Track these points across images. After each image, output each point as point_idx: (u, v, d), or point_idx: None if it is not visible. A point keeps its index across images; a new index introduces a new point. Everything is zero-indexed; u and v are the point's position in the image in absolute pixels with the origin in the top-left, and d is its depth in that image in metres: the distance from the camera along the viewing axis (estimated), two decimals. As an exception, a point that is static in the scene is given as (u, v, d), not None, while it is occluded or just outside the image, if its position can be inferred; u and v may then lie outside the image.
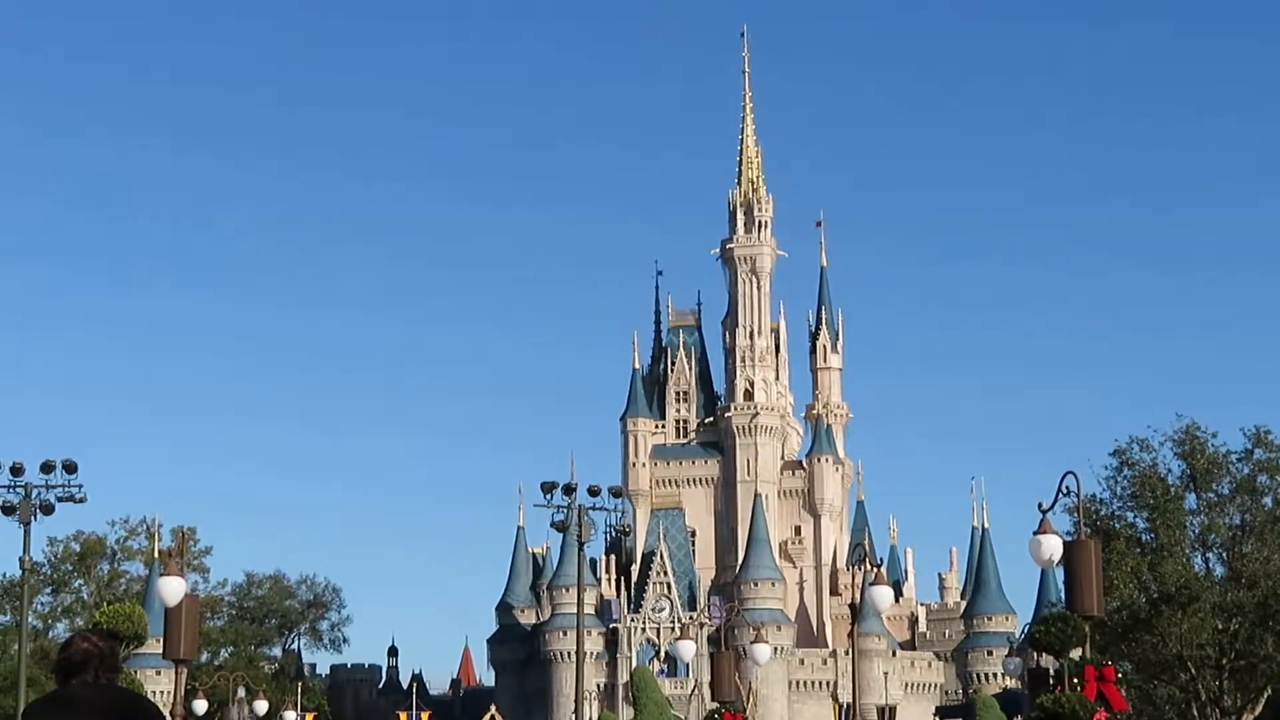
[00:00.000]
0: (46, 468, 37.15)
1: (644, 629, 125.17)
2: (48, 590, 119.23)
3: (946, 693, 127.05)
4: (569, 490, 46.46)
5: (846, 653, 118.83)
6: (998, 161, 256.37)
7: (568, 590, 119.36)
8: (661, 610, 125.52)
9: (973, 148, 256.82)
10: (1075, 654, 23.80)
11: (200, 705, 61.37)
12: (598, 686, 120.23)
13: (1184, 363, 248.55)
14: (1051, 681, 24.57)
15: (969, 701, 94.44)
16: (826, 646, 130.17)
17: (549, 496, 46.11)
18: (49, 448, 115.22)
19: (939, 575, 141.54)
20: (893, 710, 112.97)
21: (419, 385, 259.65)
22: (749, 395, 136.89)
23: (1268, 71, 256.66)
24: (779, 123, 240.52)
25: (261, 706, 69.70)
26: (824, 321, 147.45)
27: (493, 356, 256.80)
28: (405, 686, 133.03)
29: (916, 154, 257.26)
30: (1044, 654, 25.95)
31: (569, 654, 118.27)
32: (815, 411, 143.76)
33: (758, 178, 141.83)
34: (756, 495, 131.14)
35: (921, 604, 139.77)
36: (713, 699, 38.33)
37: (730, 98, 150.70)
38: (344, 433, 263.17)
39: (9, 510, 37.38)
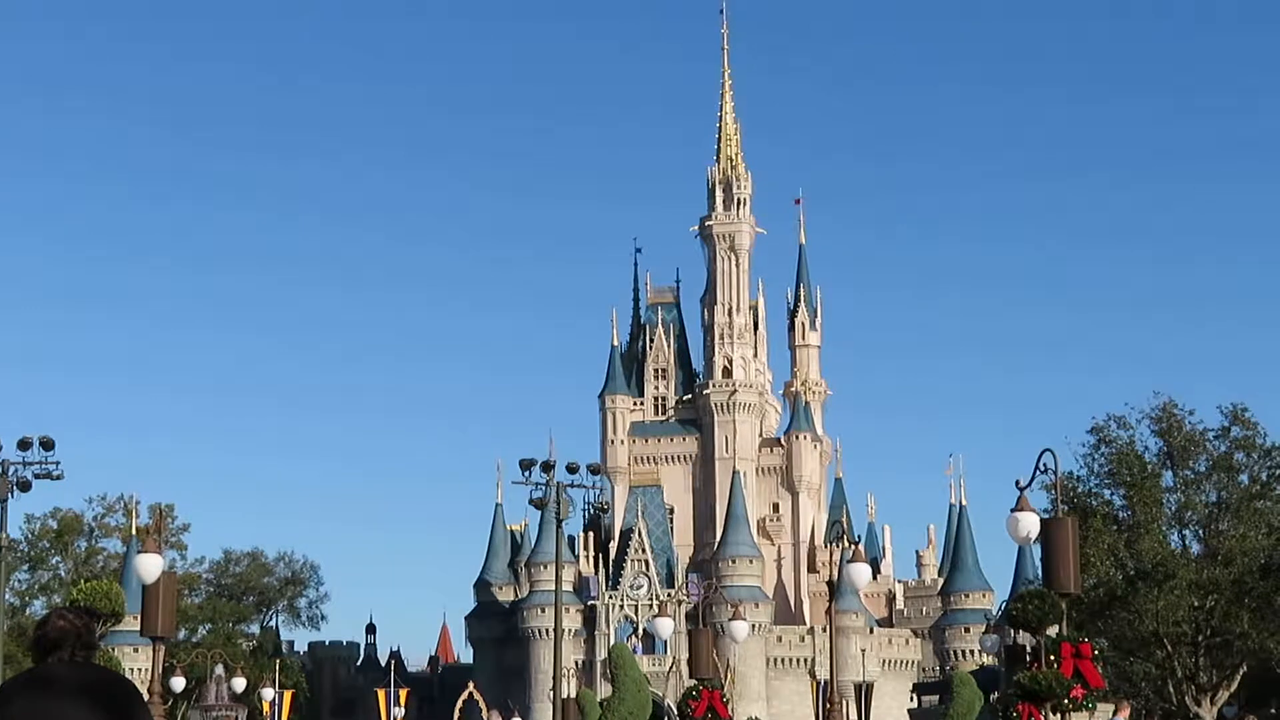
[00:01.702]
0: (23, 444, 36.97)
1: (622, 606, 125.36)
2: (25, 567, 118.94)
3: (923, 669, 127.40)
4: (547, 467, 46.40)
5: (824, 630, 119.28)
6: (977, 140, 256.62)
7: (546, 567, 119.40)
8: (639, 587, 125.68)
9: (953, 125, 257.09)
10: (1052, 631, 23.88)
11: (178, 682, 61.42)
12: (575, 663, 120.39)
13: (1162, 340, 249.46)
14: (1028, 658, 24.67)
15: (946, 678, 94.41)
16: (804, 624, 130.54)
17: (527, 474, 46.07)
18: (26, 424, 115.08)
19: (916, 552, 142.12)
20: (870, 687, 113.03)
21: (397, 362, 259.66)
22: (727, 372, 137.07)
23: (1252, 50, 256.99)
24: (758, 100, 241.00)
25: (239, 684, 69.76)
26: (802, 299, 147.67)
27: (471, 334, 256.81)
28: (383, 664, 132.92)
29: (896, 132, 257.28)
30: (1021, 631, 26.04)
31: (547, 631, 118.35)
32: (794, 389, 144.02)
33: (736, 155, 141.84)
34: (735, 472, 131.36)
35: (899, 581, 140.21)
36: (690, 676, 38.42)
37: (709, 75, 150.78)
38: (322, 410, 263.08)
39: (-15, 487, 37.22)
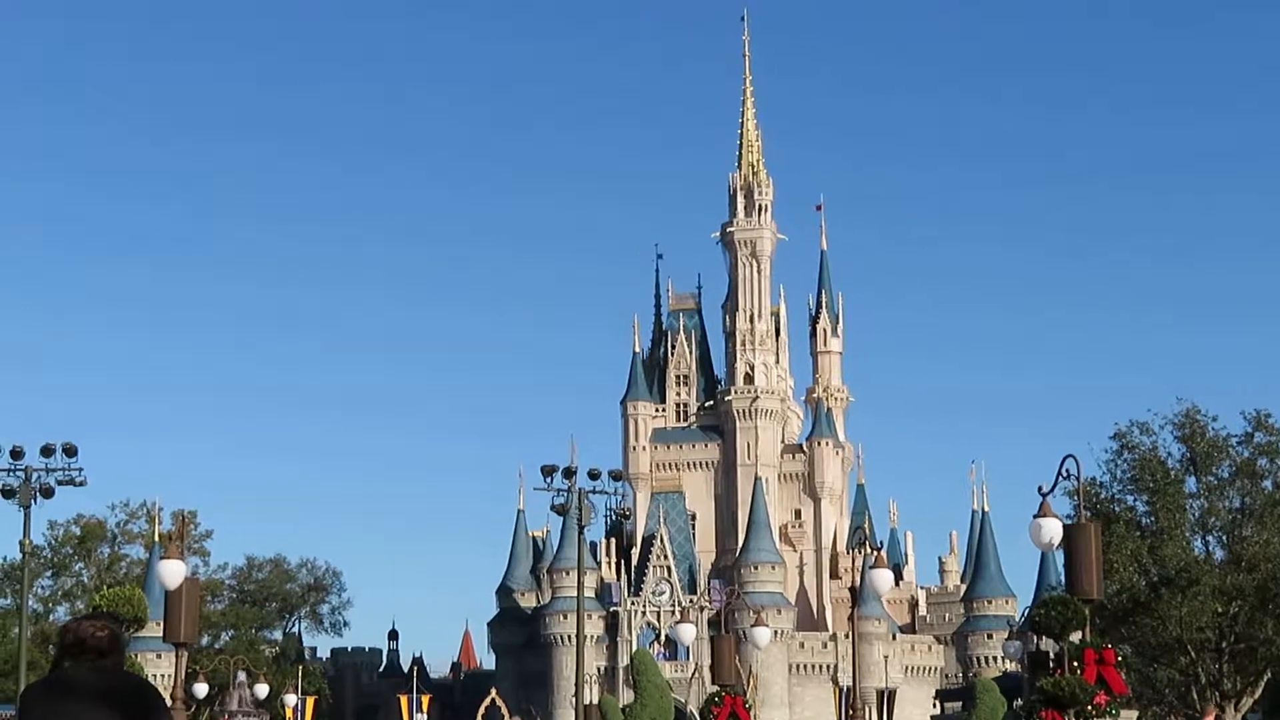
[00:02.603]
0: (46, 451, 37.12)
1: (644, 612, 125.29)
2: (48, 574, 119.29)
3: (946, 676, 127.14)
4: (569, 474, 46.47)
5: (846, 636, 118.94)
6: (998, 144, 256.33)
7: (568, 573, 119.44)
8: (662, 593, 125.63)
9: (974, 130, 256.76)
10: (1075, 637, 23.83)
11: (201, 688, 61.51)
12: (598, 670, 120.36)
13: (1185, 346, 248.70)
14: (1051, 665, 24.60)
15: (969, 685, 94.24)
16: (826, 630, 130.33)
17: (549, 480, 46.11)
18: (49, 431, 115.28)
19: (939, 559, 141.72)
20: (892, 694, 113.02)
21: (420, 368, 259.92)
22: (749, 379, 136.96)
23: (1265, 55, 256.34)
24: (780, 106, 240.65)
25: (262, 690, 69.83)
26: (824, 305, 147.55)
27: (493, 340, 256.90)
28: (406, 670, 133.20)
29: (917, 137, 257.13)
30: (1044, 637, 25.97)
31: (569, 637, 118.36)
32: (815, 395, 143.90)
33: (758, 161, 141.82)
34: (757, 479, 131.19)
35: (921, 587, 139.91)
36: (713, 682, 38.42)
37: (731, 81, 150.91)
38: (345, 416, 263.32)
39: (9, 494, 37.34)
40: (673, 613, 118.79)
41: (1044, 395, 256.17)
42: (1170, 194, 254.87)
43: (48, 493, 36.87)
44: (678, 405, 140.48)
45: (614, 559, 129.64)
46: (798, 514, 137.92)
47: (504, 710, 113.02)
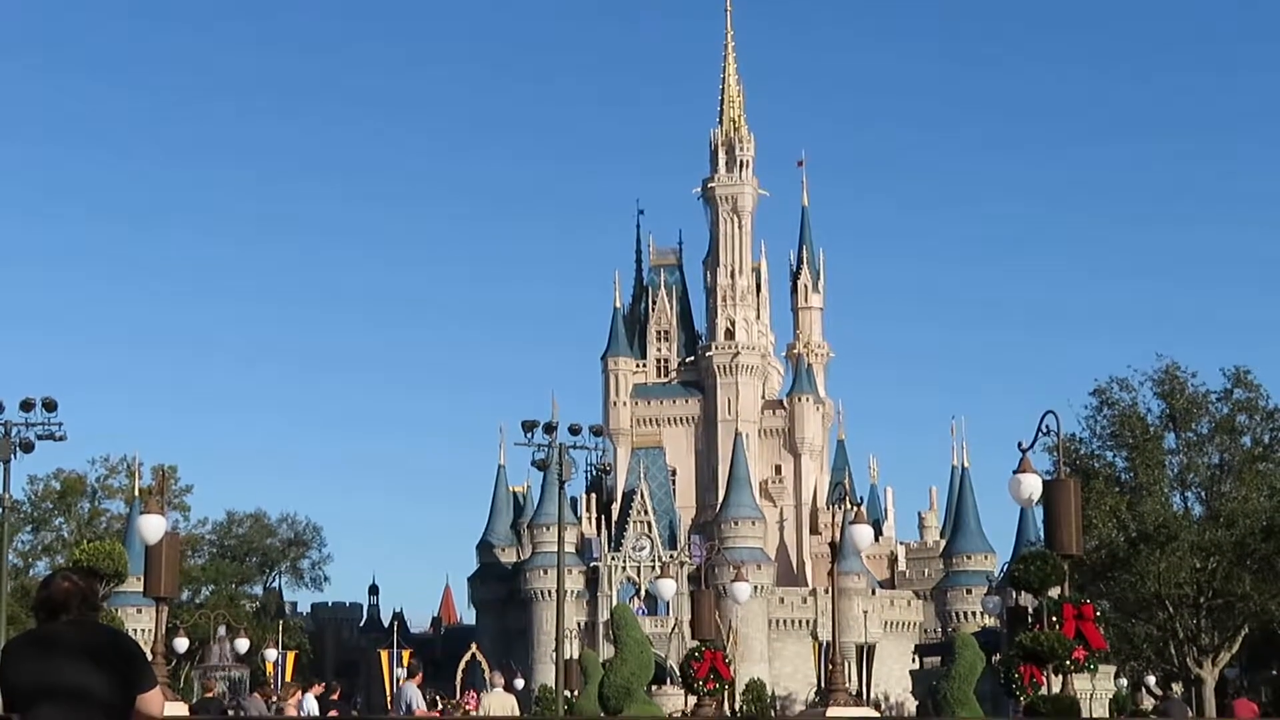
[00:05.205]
0: (26, 405, 36.96)
1: (624, 567, 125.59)
2: (28, 528, 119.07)
3: (925, 631, 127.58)
4: (550, 429, 46.40)
5: (826, 591, 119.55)
6: (980, 101, 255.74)
7: (548, 529, 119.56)
8: (642, 549, 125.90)
9: (955, 87, 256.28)
10: (1054, 592, 23.87)
11: (181, 643, 61.47)
12: (578, 625, 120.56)
13: (1165, 303, 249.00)
14: (1030, 620, 24.66)
15: (948, 640, 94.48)
16: (806, 585, 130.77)
17: (530, 435, 46.05)
18: (29, 385, 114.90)
19: (919, 514, 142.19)
20: (872, 648, 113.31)
21: (401, 324, 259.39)
22: (730, 334, 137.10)
23: (1251, 17, 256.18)
24: (761, 61, 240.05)
25: (243, 644, 69.86)
26: (805, 261, 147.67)
27: (474, 296, 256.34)
28: (386, 625, 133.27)
29: (899, 93, 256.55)
30: (1023, 592, 26.04)
31: (549, 592, 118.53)
32: (796, 351, 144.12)
33: (739, 117, 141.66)
34: (737, 434, 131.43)
35: (901, 543, 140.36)
36: (693, 637, 38.44)
37: (712, 36, 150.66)
38: (326, 372, 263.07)
39: (-12, 448, 37.20)
40: (653, 568, 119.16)
41: (1024, 351, 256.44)
42: (1153, 153, 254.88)
43: (27, 447, 36.73)
44: (658, 361, 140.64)
45: (594, 514, 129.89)
46: (778, 469, 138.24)
47: (484, 665, 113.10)
